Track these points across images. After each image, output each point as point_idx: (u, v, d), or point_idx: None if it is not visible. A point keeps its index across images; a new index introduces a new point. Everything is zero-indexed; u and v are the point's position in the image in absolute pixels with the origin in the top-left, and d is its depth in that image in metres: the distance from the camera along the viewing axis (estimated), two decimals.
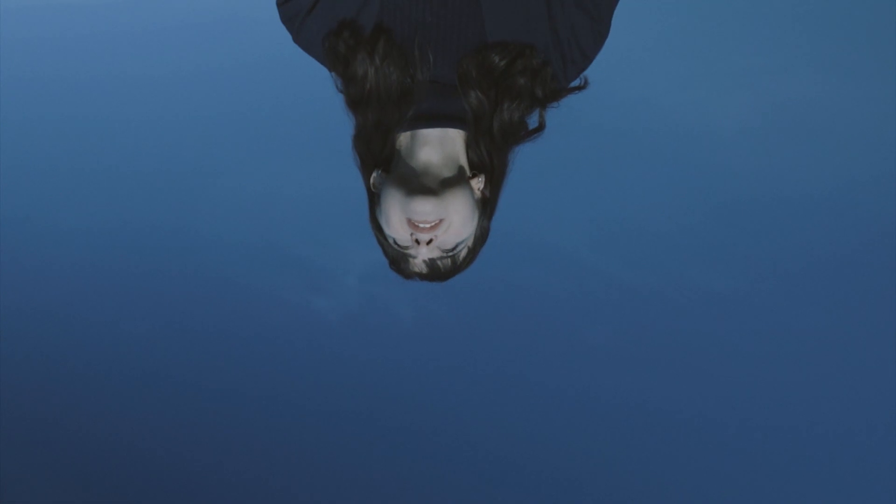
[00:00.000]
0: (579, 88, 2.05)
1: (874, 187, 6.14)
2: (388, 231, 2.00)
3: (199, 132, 6.40)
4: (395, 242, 2.01)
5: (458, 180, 1.98)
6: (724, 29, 6.66)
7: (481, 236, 2.06)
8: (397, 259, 2.05)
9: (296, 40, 2.05)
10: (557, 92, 2.04)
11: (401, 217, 1.96)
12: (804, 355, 6.06)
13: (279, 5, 2.02)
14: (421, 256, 2.00)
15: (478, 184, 2.02)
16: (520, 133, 2.04)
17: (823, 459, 5.92)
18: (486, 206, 2.04)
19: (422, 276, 2.06)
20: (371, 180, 2.04)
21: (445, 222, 1.96)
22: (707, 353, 6.26)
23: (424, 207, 1.93)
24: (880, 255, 6.03)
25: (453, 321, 6.27)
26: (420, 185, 1.95)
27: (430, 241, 1.96)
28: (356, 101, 2.01)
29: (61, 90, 6.58)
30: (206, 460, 6.03)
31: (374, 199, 2.04)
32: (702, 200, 6.32)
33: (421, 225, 1.95)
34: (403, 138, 2.00)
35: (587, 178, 6.43)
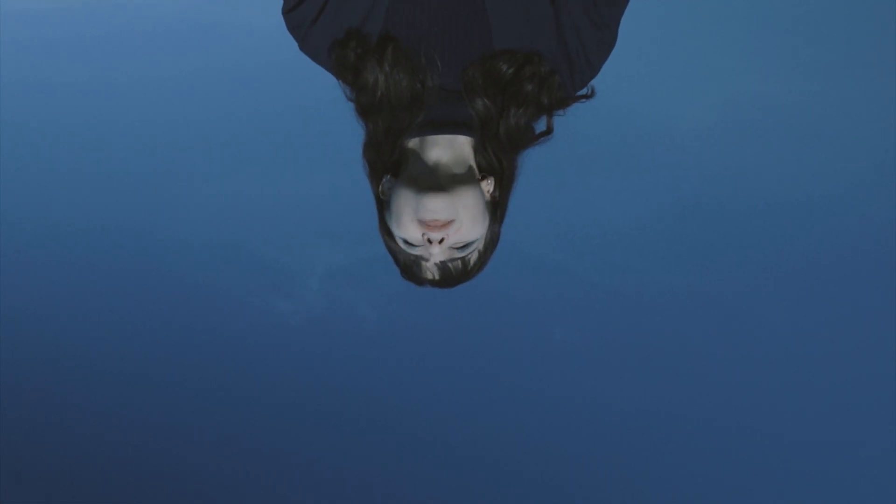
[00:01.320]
0: (586, 97, 2.05)
1: (838, 184, 6.21)
2: (398, 232, 1.99)
3: (162, 135, 6.34)
4: (406, 243, 2.00)
5: (467, 179, 1.98)
6: (682, 29, 6.69)
7: (492, 241, 2.06)
8: (409, 265, 2.05)
9: (302, 48, 2.05)
10: (564, 100, 2.04)
11: (412, 216, 1.96)
12: (771, 353, 6.12)
13: (285, 14, 2.02)
14: (433, 259, 1.99)
15: (487, 186, 2.03)
16: (527, 138, 2.04)
17: (791, 460, 5.98)
18: (497, 210, 2.05)
19: (434, 283, 2.06)
20: (381, 187, 2.03)
21: (456, 222, 1.96)
22: (673, 352, 6.30)
23: (435, 204, 1.94)
24: (847, 251, 6.11)
25: (418, 322, 6.25)
26: (430, 182, 1.96)
27: (441, 241, 1.96)
28: (367, 108, 2.01)
29: (30, 93, 6.50)
30: (165, 462, 5.98)
31: (383, 206, 2.04)
32: (665, 200, 6.35)
33: (432, 223, 1.94)
34: (412, 143, 2.01)
35: (550, 179, 6.44)
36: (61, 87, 6.47)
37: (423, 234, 1.96)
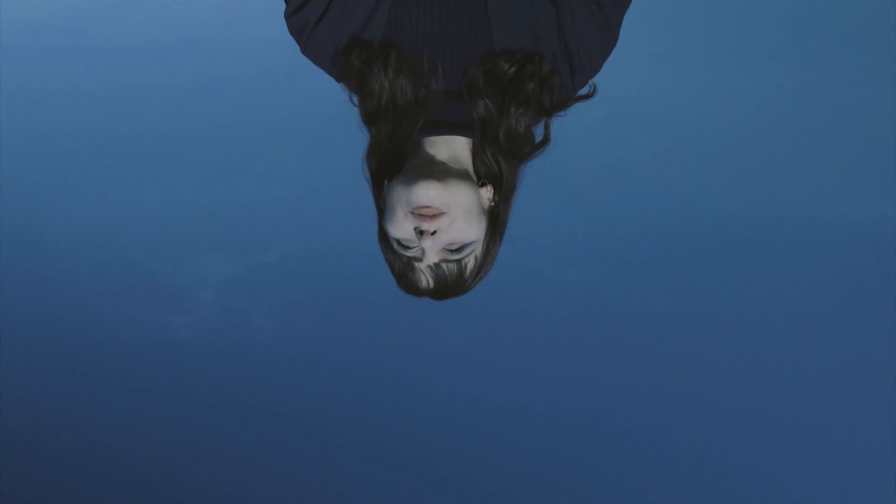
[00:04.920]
0: (587, 96, 2.06)
1: (717, 174, 6.39)
2: (392, 232, 1.96)
3: (43, 147, 6.16)
4: (399, 244, 1.96)
5: (463, 176, 1.96)
6: None
7: (490, 256, 2.02)
8: (403, 271, 2.00)
9: (304, 52, 2.02)
10: (565, 100, 2.04)
11: (405, 209, 1.93)
12: (659, 345, 6.26)
13: (287, 17, 1.99)
14: (426, 258, 1.95)
15: (486, 193, 2.00)
16: (526, 145, 2.03)
17: (681, 457, 6.13)
18: (497, 226, 2.02)
19: (429, 292, 2.01)
20: (381, 196, 2.01)
21: (448, 215, 1.92)
22: (563, 348, 6.39)
23: (427, 192, 1.90)
24: (724, 242, 6.30)
25: (314, 329, 6.21)
26: (424, 173, 1.93)
27: (434, 234, 1.92)
28: (372, 115, 1.98)
29: None
30: (59, 487, 5.83)
31: (382, 214, 2.01)
32: (550, 195, 6.43)
33: (422, 210, 1.91)
34: (411, 146, 1.99)
35: None
36: None
37: (415, 228, 1.92)
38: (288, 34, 2.02)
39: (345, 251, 6.17)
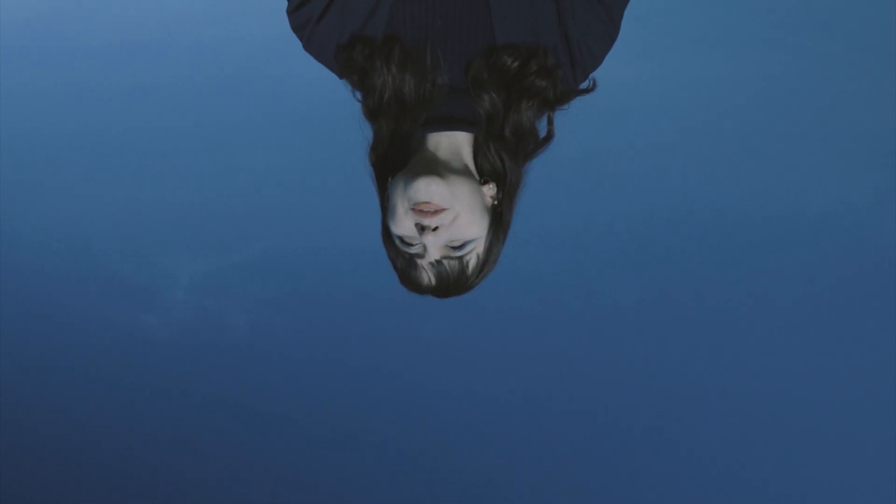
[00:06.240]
0: (588, 91, 2.06)
1: (698, 166, 6.42)
2: (394, 229, 1.95)
3: (11, 145, 6.10)
4: (402, 241, 1.96)
5: (465, 172, 1.96)
6: None
7: (493, 255, 2.01)
8: (405, 269, 2.00)
9: (306, 48, 2.01)
10: (567, 94, 2.03)
11: (406, 206, 1.92)
12: (638, 338, 6.28)
13: (289, 13, 1.98)
14: (428, 255, 1.94)
15: (489, 190, 1.99)
16: (531, 141, 2.03)
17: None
18: (500, 225, 2.01)
19: (431, 290, 2.01)
20: (386, 193, 2.00)
21: (451, 212, 1.91)
22: (538, 340, 6.40)
23: (429, 187, 1.90)
24: (705, 234, 6.32)
25: (289, 326, 6.19)
26: (425, 169, 1.93)
27: (435, 229, 1.91)
28: (374, 111, 1.98)
29: None
30: (32, 487, 5.78)
31: (385, 212, 2.00)
32: (527, 187, 6.42)
33: (425, 208, 1.90)
34: (413, 142, 1.99)
35: None
36: None
37: (416, 224, 1.92)
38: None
39: (318, 249, 6.16)
